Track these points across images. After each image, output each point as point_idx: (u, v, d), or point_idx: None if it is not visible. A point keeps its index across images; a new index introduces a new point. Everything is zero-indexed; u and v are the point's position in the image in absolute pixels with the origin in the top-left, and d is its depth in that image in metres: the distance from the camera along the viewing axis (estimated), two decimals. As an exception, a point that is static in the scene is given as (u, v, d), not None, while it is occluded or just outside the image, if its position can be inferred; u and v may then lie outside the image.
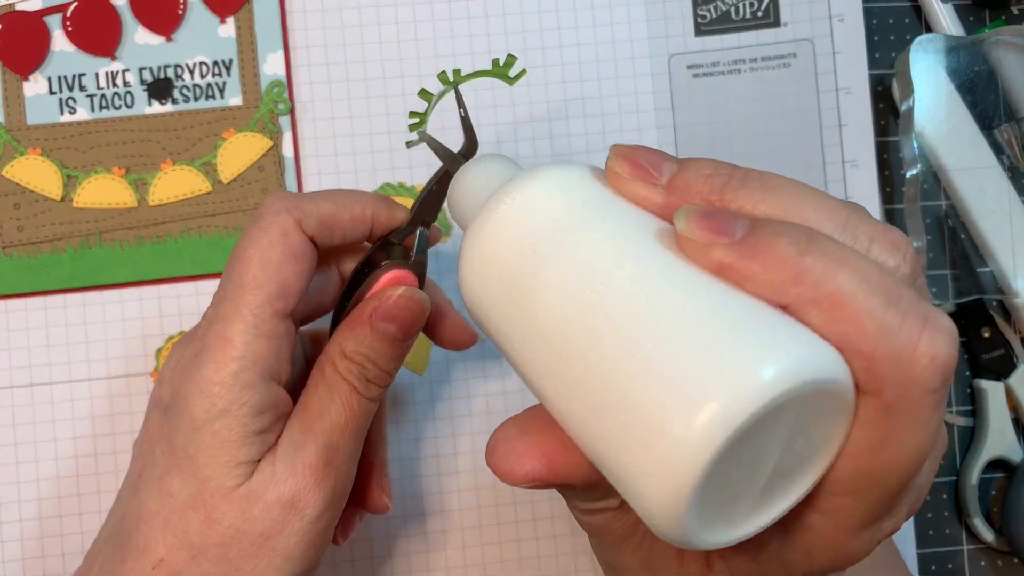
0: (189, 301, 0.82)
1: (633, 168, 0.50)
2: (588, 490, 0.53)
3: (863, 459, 0.45)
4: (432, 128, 0.67)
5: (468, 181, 0.61)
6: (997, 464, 0.88)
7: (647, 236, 0.48)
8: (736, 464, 0.43)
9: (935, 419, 0.44)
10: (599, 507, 0.55)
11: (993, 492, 0.89)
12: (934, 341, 0.42)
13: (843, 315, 0.42)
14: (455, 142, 0.66)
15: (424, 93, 0.65)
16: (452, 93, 0.66)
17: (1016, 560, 0.87)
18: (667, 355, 0.43)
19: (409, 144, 0.68)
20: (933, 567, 0.87)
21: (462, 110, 0.67)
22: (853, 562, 0.49)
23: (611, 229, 0.48)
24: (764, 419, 0.41)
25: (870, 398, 0.43)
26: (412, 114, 0.66)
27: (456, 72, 0.65)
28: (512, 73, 0.66)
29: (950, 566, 0.88)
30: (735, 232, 0.45)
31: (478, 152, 0.67)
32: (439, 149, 0.66)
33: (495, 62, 0.66)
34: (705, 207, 0.47)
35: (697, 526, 0.43)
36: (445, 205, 0.65)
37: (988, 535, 0.87)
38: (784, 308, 0.44)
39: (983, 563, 0.88)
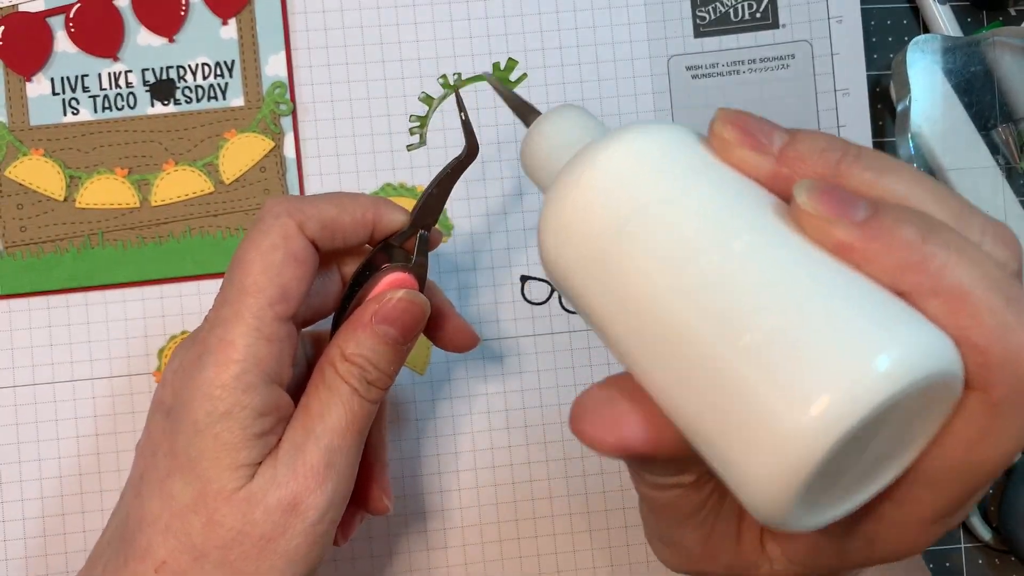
0: (191, 301, 0.82)
1: (743, 135, 0.48)
2: (669, 464, 0.52)
3: (957, 453, 0.44)
4: (434, 129, 0.67)
5: (547, 134, 0.57)
6: (995, 463, 0.88)
7: (759, 206, 0.46)
8: (845, 454, 0.42)
9: None
10: (672, 482, 0.53)
11: (991, 491, 0.89)
12: None
13: (962, 308, 0.42)
14: (456, 144, 0.67)
15: (426, 97, 0.65)
16: (453, 96, 0.66)
17: (1013, 558, 0.88)
18: (782, 335, 0.42)
19: (410, 147, 0.68)
20: (931, 565, 0.87)
21: (463, 114, 0.67)
22: (911, 555, 0.49)
23: (723, 196, 0.46)
24: (882, 412, 0.40)
25: (977, 393, 0.43)
26: (412, 117, 0.66)
27: (457, 76, 0.65)
28: (513, 77, 0.66)
29: (948, 564, 0.88)
30: (858, 212, 0.44)
31: (478, 156, 0.68)
32: (509, 97, 0.63)
33: (495, 66, 0.65)
34: (825, 183, 0.46)
35: (799, 512, 0.43)
36: (447, 206, 0.65)
37: (985, 534, 0.87)
38: (901, 295, 0.43)
39: (980, 561, 0.88)
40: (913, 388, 0.40)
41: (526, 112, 0.62)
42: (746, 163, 0.48)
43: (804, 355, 0.41)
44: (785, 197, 0.47)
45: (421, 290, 0.68)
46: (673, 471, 0.52)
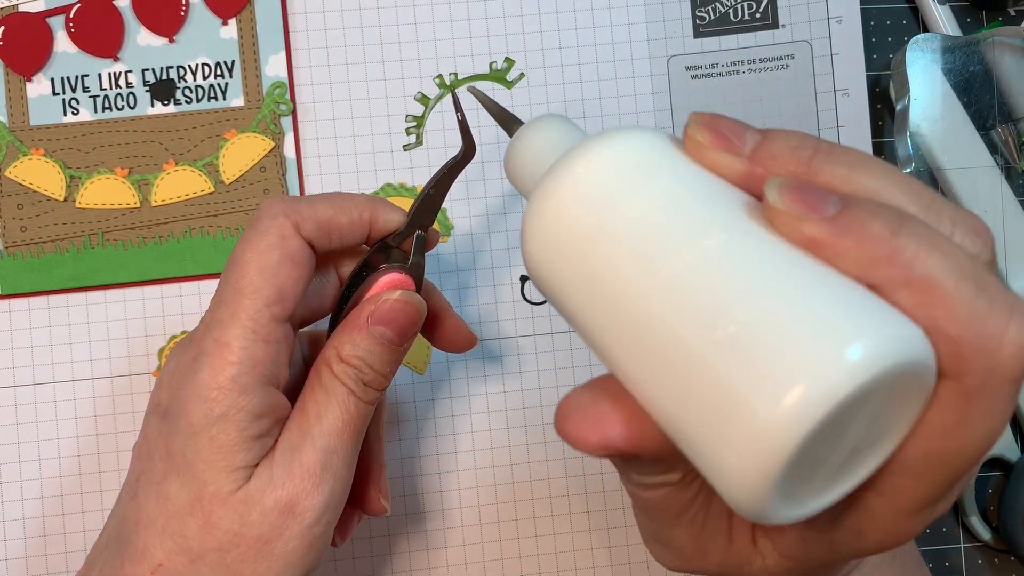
0: (191, 301, 0.83)
1: (715, 137, 0.49)
2: (653, 463, 0.52)
3: (935, 442, 0.44)
4: (433, 130, 0.67)
5: (529, 142, 0.59)
6: (994, 463, 0.88)
7: (732, 205, 0.47)
8: (820, 444, 0.42)
9: (1011, 407, 0.44)
10: (659, 481, 0.53)
11: (990, 490, 0.89)
12: (1021, 330, 0.42)
13: (933, 299, 0.42)
14: (455, 144, 0.67)
15: (422, 98, 0.65)
16: (450, 96, 0.66)
17: (1012, 558, 0.88)
18: (755, 329, 0.42)
19: (406, 147, 0.68)
20: (930, 565, 0.87)
21: (459, 114, 0.67)
22: (899, 544, 0.49)
23: (696, 197, 0.47)
24: (854, 401, 0.41)
25: (950, 382, 0.43)
26: (409, 118, 0.66)
27: (453, 76, 0.65)
28: (510, 77, 0.66)
29: (947, 564, 0.88)
30: (828, 208, 0.44)
31: (476, 156, 0.68)
32: (493, 107, 0.65)
33: (491, 65, 0.66)
34: (796, 180, 0.46)
35: (777, 504, 0.43)
36: (447, 207, 0.65)
37: (985, 533, 0.87)
38: (872, 288, 0.43)
39: (980, 561, 0.88)
40: (884, 377, 0.41)
41: (508, 122, 0.64)
42: (720, 164, 0.49)
43: (776, 347, 0.41)
44: (759, 196, 0.48)
45: (418, 290, 0.68)
46: (658, 470, 0.53)
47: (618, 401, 0.49)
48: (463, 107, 0.68)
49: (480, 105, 0.65)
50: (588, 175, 0.49)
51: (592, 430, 0.49)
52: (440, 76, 0.64)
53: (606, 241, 0.47)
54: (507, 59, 0.65)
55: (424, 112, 0.65)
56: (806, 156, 0.48)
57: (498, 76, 0.66)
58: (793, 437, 0.40)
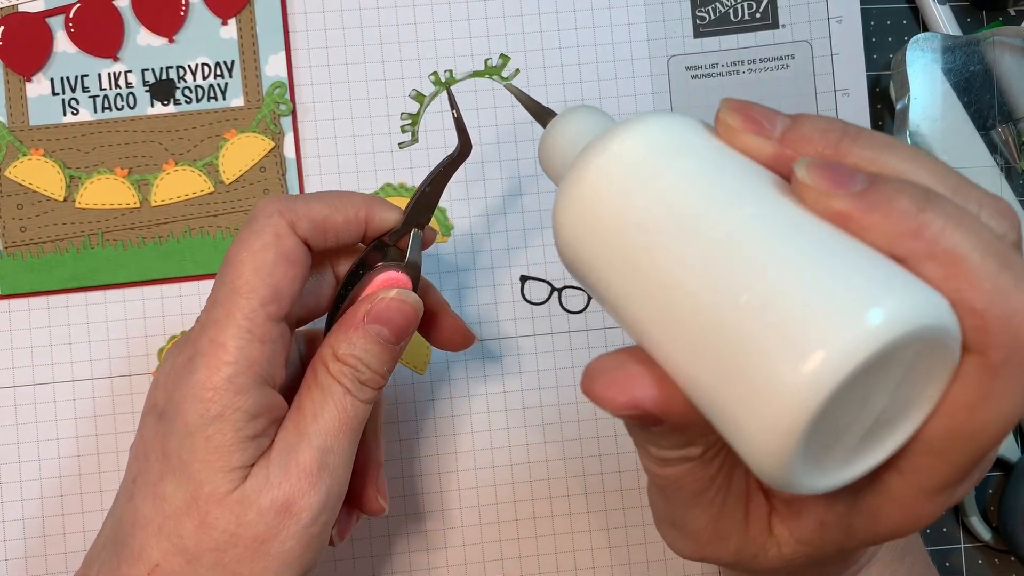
0: (191, 301, 0.83)
1: (746, 121, 0.50)
2: (676, 433, 0.52)
3: (958, 418, 0.44)
4: (432, 129, 0.67)
5: (562, 132, 0.60)
6: (995, 463, 0.87)
7: (762, 182, 0.48)
8: (843, 409, 0.43)
9: None
10: (680, 455, 0.54)
11: (990, 490, 0.89)
12: None
13: (958, 271, 0.42)
14: (453, 144, 0.67)
15: (417, 95, 0.65)
16: (445, 94, 0.66)
17: (1013, 558, 0.88)
18: (780, 294, 0.43)
19: (402, 145, 0.68)
20: (931, 565, 0.87)
21: (454, 111, 0.67)
22: (916, 528, 0.50)
23: (725, 172, 0.48)
24: (877, 364, 0.41)
25: (975, 356, 0.43)
26: (404, 115, 0.66)
27: (448, 73, 0.65)
28: (505, 73, 0.66)
29: (947, 564, 0.88)
30: (856, 184, 0.45)
31: (471, 152, 0.68)
32: (527, 101, 0.66)
33: (486, 62, 0.66)
34: (824, 159, 0.47)
35: (800, 470, 0.43)
36: (447, 207, 0.65)
37: (985, 533, 0.87)
38: (898, 261, 0.44)
39: (980, 561, 0.88)
40: (906, 341, 0.41)
41: (542, 114, 0.64)
42: (750, 147, 0.50)
43: (799, 311, 0.42)
44: (788, 178, 0.48)
45: (415, 289, 0.68)
46: (679, 442, 0.53)
47: (646, 365, 0.50)
48: (459, 104, 0.68)
49: (479, 105, 0.65)
50: (624, 153, 0.50)
51: (620, 390, 0.50)
52: (435, 73, 0.64)
53: (639, 214, 0.48)
54: (502, 55, 0.65)
55: (419, 109, 0.65)
56: (834, 138, 0.48)
57: (493, 72, 0.66)
58: (815, 399, 0.41)
